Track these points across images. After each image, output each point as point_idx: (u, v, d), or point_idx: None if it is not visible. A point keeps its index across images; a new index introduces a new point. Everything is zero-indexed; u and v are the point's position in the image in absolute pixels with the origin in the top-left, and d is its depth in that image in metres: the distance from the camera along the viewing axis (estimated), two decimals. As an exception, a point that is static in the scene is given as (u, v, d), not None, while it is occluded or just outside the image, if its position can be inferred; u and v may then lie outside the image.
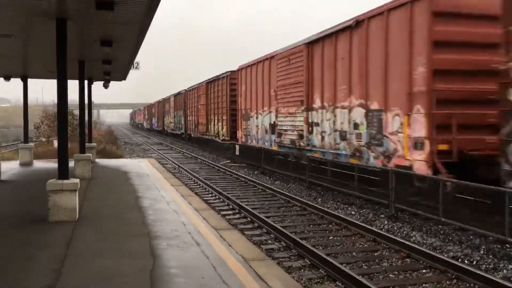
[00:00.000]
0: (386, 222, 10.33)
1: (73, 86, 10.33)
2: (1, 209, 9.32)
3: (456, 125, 9.67)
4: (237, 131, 23.54)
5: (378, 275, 7.06)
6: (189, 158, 27.70)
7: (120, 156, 26.34)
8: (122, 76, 18.05)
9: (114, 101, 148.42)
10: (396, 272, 7.18)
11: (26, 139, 18.53)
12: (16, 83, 17.92)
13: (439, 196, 9.37)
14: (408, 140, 10.51)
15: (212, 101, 29.06)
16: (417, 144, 10.23)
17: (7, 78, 17.40)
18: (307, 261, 7.67)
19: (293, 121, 16.64)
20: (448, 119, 9.69)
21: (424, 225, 9.90)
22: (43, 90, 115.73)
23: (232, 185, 16.20)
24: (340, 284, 6.64)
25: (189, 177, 18.45)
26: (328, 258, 7.35)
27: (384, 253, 8.18)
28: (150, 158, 24.17)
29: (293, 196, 13.19)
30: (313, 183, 15.10)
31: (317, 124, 14.86)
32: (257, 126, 20.46)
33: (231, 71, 25.08)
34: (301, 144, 15.90)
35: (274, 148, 18.52)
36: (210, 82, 29.41)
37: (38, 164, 17.92)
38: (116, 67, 14.33)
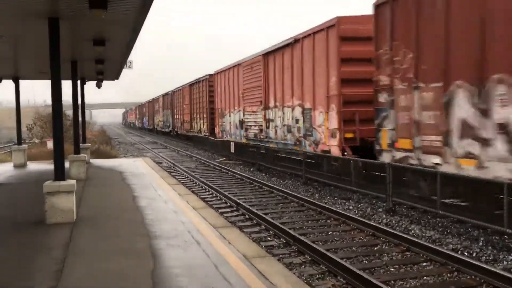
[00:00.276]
0: (384, 216, 10.35)
1: (65, 86, 10.21)
2: (-3, 212, 9.23)
3: (358, 119, 13.18)
4: (215, 127, 27.19)
5: (378, 269, 7.06)
6: (184, 156, 27.64)
7: (115, 156, 26.21)
8: (115, 76, 17.93)
9: (106, 101, 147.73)
10: (397, 266, 7.18)
11: (20, 141, 18.38)
12: (6, 85, 17.75)
13: (350, 170, 12.65)
14: (327, 131, 13.99)
15: (194, 101, 32.32)
16: (333, 134, 13.71)
17: (-1, 80, 17.23)
18: (308, 257, 7.67)
19: (255, 118, 20.02)
20: (352, 115, 13.23)
21: (422, 218, 9.93)
22: (34, 91, 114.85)
23: (228, 183, 16.18)
24: (341, 279, 6.63)
25: (185, 176, 18.39)
26: (328, 253, 7.35)
27: (383, 247, 8.19)
28: (145, 157, 24.08)
29: (290, 192, 13.19)
30: (310, 179, 15.13)
31: (272, 120, 18.34)
32: (230, 122, 23.84)
33: (209, 75, 28.16)
34: (261, 136, 19.39)
35: (244, 141, 21.94)
36: (193, 84, 32.69)
37: (32, 165, 17.78)
38: (109, 66, 14.23)
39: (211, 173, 19.01)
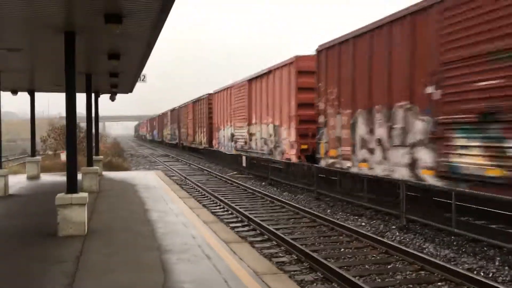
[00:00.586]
0: (397, 233, 10.20)
1: (79, 99, 10.33)
2: (10, 224, 9.27)
3: (310, 134, 16.72)
4: (213, 140, 31.37)
5: (392, 288, 6.93)
6: (196, 170, 27.67)
7: (127, 169, 26.34)
8: (129, 89, 18.08)
9: (119, 113, 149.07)
10: (411, 286, 7.04)
11: (33, 153, 18.55)
12: (21, 97, 17.96)
13: (304, 173, 17.01)
14: (289, 143, 17.98)
15: (197, 117, 36.50)
16: (292, 145, 17.66)
17: (15, 92, 17.45)
18: (320, 274, 7.55)
19: (242, 132, 24.13)
20: (306, 130, 17.03)
21: (437, 236, 9.76)
22: (49, 103, 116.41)
23: (240, 197, 16.12)
24: (354, 298, 6.51)
25: (196, 189, 18.38)
26: (340, 271, 7.24)
27: (397, 265, 8.04)
28: (156, 170, 24.15)
29: (302, 207, 13.08)
30: (321, 194, 15.02)
31: (253, 134, 22.39)
32: (224, 136, 28.08)
33: (208, 94, 32.51)
34: (246, 147, 23.46)
35: (234, 151, 25.87)
36: (195, 102, 37.13)
37: (46, 177, 17.91)
38: (123, 80, 14.36)
39: (222, 187, 18.97)
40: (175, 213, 10.08)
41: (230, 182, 20.37)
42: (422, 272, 7.59)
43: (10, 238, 8.07)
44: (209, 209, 12.93)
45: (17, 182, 16.05)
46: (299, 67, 17.20)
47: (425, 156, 10.40)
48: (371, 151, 12.33)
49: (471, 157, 9.12)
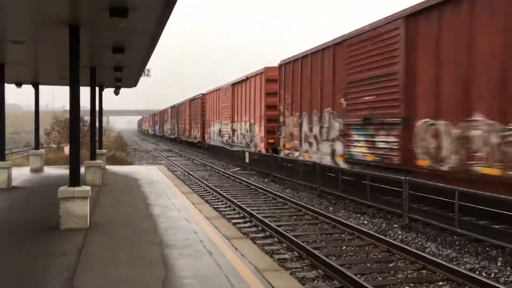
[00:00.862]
0: (399, 232, 10.18)
1: (83, 92, 10.35)
2: (12, 216, 9.30)
3: (276, 130, 20.39)
4: (205, 135, 36.11)
5: (393, 287, 6.90)
6: (198, 165, 27.69)
7: (130, 163, 26.38)
8: (133, 83, 18.09)
9: (123, 108, 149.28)
10: (412, 285, 7.02)
11: (37, 146, 18.59)
12: (26, 89, 18.01)
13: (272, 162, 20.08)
14: (260, 138, 22.09)
15: (192, 114, 40.69)
16: (262, 140, 21.77)
17: (19, 84, 17.48)
18: (321, 271, 7.54)
19: (227, 128, 28.30)
20: (272, 128, 20.83)
21: (439, 236, 9.73)
22: (54, 96, 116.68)
23: (242, 193, 16.12)
24: (355, 296, 6.50)
25: (199, 184, 18.39)
26: (342, 269, 7.22)
27: (399, 264, 8.02)
28: (159, 165, 24.17)
29: (303, 204, 13.07)
30: (324, 191, 15.01)
31: (236, 130, 26.66)
32: (213, 131, 32.51)
33: (202, 94, 36.91)
34: (230, 141, 27.74)
35: (220, 144, 30.35)
36: (191, 100, 41.29)
37: (49, 170, 17.96)
38: (127, 74, 14.35)
39: (225, 183, 18.98)
40: (177, 208, 10.08)
41: (233, 178, 20.37)
42: (424, 272, 7.57)
43: (12, 230, 8.09)
44: (211, 205, 12.94)
45: (21, 174, 16.10)
46: (268, 76, 21.22)
47: (338, 147, 14.50)
48: (311, 144, 16.59)
49: (359, 148, 13.17)
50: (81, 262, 6.11)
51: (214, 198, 15.25)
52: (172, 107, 55.45)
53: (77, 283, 5.31)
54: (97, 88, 15.45)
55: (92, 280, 5.45)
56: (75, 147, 8.20)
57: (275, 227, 10.20)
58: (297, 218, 11.92)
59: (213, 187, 16.94)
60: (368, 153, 12.58)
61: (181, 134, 48.10)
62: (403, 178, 10.75)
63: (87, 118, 21.46)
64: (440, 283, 7.06)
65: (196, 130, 38.79)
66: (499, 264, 7.92)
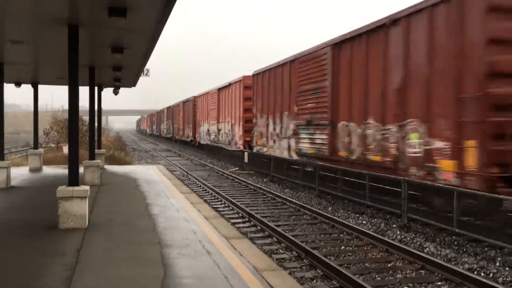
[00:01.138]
0: (398, 232, 10.18)
1: (83, 92, 10.35)
2: (11, 216, 9.29)
3: (251, 130, 23.23)
4: (196, 134, 39.20)
5: (392, 287, 6.91)
6: (198, 165, 27.69)
7: (129, 163, 26.36)
8: (132, 83, 18.07)
9: (122, 107, 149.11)
10: (411, 284, 7.03)
11: (36, 145, 18.56)
12: (25, 89, 18.00)
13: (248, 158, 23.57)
14: (238, 136, 25.28)
15: (185, 115, 43.83)
16: (240, 138, 24.87)
17: (18, 84, 17.47)
18: (319, 271, 7.55)
19: (214, 128, 31.35)
20: (249, 128, 23.68)
21: (438, 236, 9.74)
22: (53, 96, 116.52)
23: (241, 193, 16.13)
24: (353, 296, 6.51)
25: (198, 184, 18.39)
26: (340, 268, 7.23)
27: (397, 264, 8.03)
28: (158, 164, 24.17)
29: (302, 204, 13.07)
30: (323, 191, 15.03)
31: (221, 130, 29.60)
32: (203, 131, 35.53)
33: (194, 96, 40.01)
34: (216, 139, 30.88)
35: (209, 142, 33.33)
36: (185, 102, 44.34)
37: (48, 170, 17.95)
38: (127, 73, 14.33)
39: (224, 183, 18.98)
40: (176, 208, 10.08)
41: (231, 178, 20.38)
42: (422, 271, 7.58)
43: (11, 230, 8.08)
44: (210, 205, 12.94)
45: (20, 174, 16.08)
46: (245, 83, 24.43)
47: (292, 143, 17.86)
48: (274, 141, 19.76)
49: (305, 143, 16.68)
50: (80, 262, 6.11)
51: (213, 198, 15.26)
52: (168, 108, 58.51)
53: (75, 283, 5.31)
54: (96, 88, 15.45)
55: (91, 280, 5.45)
56: (74, 147, 8.19)
57: (274, 227, 10.21)
58: (296, 218, 11.91)
59: (211, 187, 16.95)
60: (310, 147, 16.24)
61: (175, 133, 51.29)
62: (401, 178, 10.78)
63: (86, 117, 21.44)
64: (439, 283, 7.07)
65: (189, 129, 41.93)
66: (497, 264, 7.93)
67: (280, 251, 8.88)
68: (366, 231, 9.82)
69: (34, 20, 7.81)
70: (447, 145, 9.72)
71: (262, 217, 11.55)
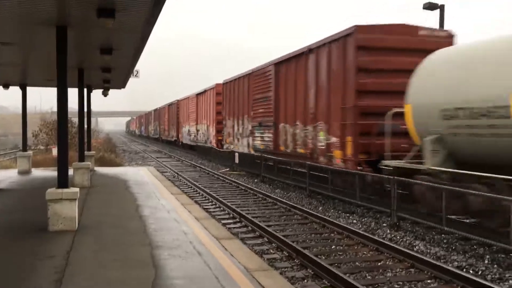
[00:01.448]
0: (388, 231, 10.25)
1: (72, 94, 10.25)
2: (0, 218, 9.21)
3: (221, 130, 27.51)
4: (179, 134, 43.24)
5: (382, 286, 6.96)
6: (188, 166, 27.64)
7: (119, 164, 26.24)
8: (122, 84, 17.99)
9: (111, 109, 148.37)
10: (401, 283, 7.08)
11: (25, 147, 18.42)
12: (14, 90, 17.87)
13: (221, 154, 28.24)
14: (212, 136, 29.62)
15: (170, 117, 48.19)
16: (214, 137, 29.26)
17: (6, 86, 17.31)
18: (310, 271, 7.58)
19: (194, 129, 35.66)
20: (220, 128, 27.57)
21: (427, 234, 9.83)
22: (42, 98, 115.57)
23: (232, 193, 16.12)
24: (344, 295, 6.54)
25: (189, 185, 18.36)
26: (331, 268, 7.26)
27: (387, 262, 8.09)
28: (149, 166, 24.08)
29: (293, 204, 13.11)
30: (313, 191, 15.08)
31: (199, 130, 33.77)
32: (185, 131, 40.02)
33: (177, 100, 44.06)
34: (195, 139, 35.22)
35: (190, 142, 38.01)
36: (170, 105, 48.79)
37: (37, 172, 17.80)
38: (116, 75, 14.27)
39: (214, 184, 18.97)
40: (166, 209, 10.06)
41: (222, 178, 20.38)
42: (412, 270, 7.64)
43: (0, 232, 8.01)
44: (201, 206, 12.93)
45: (8, 177, 15.94)
46: (217, 90, 28.22)
47: (250, 141, 21.63)
48: (238, 139, 23.68)
49: (258, 141, 20.53)
50: (70, 264, 6.07)
51: (204, 198, 15.24)
52: (155, 110, 63.11)
53: (65, 285, 5.28)
54: (85, 90, 15.35)
55: (81, 282, 5.42)
56: (63, 149, 8.14)
57: (264, 227, 10.23)
58: (286, 218, 11.95)
59: (202, 187, 16.93)
60: (261, 143, 20.23)
61: (162, 134, 56.18)
62: (391, 177, 10.86)
63: (75, 119, 21.30)
64: (428, 281, 7.14)
65: (173, 130, 46.71)
66: (486, 261, 8.02)
67: (271, 251, 8.90)
68: (357, 230, 9.89)
69: (21, 21, 7.74)
70: (337, 140, 13.80)
71: (253, 217, 11.57)
